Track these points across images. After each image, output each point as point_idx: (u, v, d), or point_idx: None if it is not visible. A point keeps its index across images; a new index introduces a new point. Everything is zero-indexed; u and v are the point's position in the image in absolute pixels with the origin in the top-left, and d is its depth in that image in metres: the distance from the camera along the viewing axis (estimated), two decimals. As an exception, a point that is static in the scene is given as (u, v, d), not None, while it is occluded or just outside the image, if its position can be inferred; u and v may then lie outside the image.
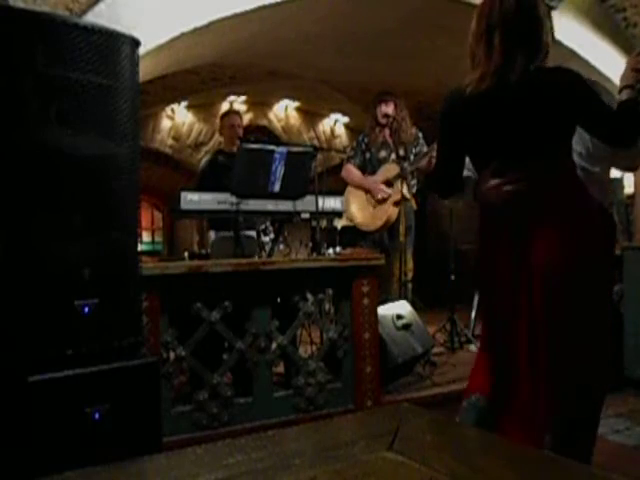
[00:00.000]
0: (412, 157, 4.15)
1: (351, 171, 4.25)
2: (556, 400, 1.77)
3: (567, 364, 1.77)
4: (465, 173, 2.03)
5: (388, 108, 4.14)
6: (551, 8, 4.33)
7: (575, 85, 1.80)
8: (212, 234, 4.07)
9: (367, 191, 4.17)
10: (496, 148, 1.87)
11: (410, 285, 4.17)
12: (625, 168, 2.85)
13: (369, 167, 4.24)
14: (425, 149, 4.16)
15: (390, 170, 4.14)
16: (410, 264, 4.16)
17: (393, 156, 4.17)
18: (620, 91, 1.85)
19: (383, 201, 4.11)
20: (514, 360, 1.83)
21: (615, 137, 1.82)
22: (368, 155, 4.25)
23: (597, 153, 2.32)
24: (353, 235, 4.14)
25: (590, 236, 1.80)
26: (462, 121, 1.91)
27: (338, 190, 4.04)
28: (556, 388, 1.77)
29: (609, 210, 2.29)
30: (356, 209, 4.16)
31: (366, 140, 4.28)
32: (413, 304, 3.78)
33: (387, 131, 4.21)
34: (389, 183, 4.12)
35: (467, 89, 1.84)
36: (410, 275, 4.16)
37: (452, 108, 1.94)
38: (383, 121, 4.15)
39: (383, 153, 4.22)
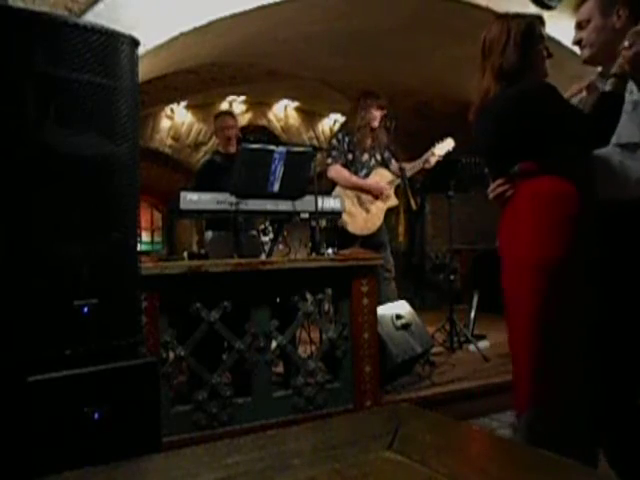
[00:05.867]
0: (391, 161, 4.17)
1: (343, 171, 4.00)
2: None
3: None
4: None
5: (382, 112, 4.08)
6: (550, 8, 4.33)
7: (530, 100, 1.89)
8: (210, 234, 4.07)
9: (363, 192, 4.00)
10: (486, 159, 2.13)
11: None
12: None
13: (351, 169, 4.03)
14: (388, 154, 4.17)
15: (383, 176, 4.09)
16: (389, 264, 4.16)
17: (373, 161, 4.11)
18: (607, 79, 1.85)
19: (379, 202, 4.03)
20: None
21: (589, 138, 1.85)
22: (351, 156, 4.04)
23: None
24: (344, 237, 4.02)
25: (550, 234, 1.81)
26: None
27: (331, 190, 4.02)
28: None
29: None
30: (347, 213, 3.88)
31: (347, 140, 4.03)
32: (411, 303, 3.78)
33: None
34: None
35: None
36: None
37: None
38: (375, 124, 4.02)
39: (366, 156, 4.10)
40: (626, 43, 1.79)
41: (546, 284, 1.76)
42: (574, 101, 2.05)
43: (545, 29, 2.03)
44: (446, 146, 4.11)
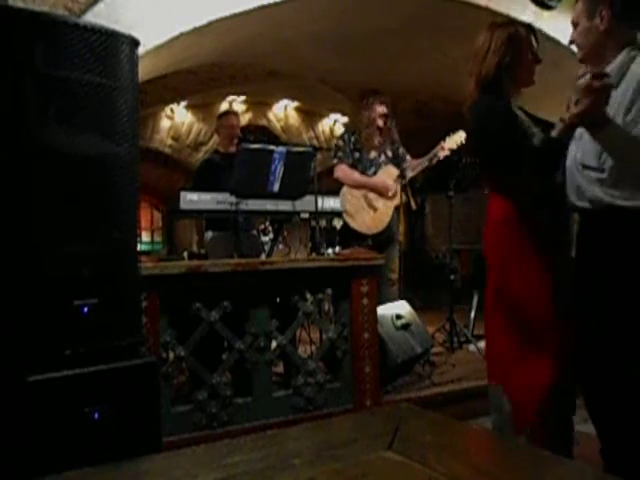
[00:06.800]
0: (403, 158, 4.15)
1: (348, 171, 4.01)
2: None
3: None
4: None
5: (385, 108, 4.07)
6: (550, 8, 4.32)
7: (479, 118, 2.04)
8: (209, 234, 4.07)
9: (370, 191, 4.00)
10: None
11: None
12: None
13: (359, 167, 4.03)
14: (402, 150, 4.17)
15: (391, 173, 4.07)
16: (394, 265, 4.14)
17: (383, 157, 4.10)
18: (557, 124, 1.93)
19: (387, 200, 4.01)
20: None
21: (529, 170, 1.98)
22: (357, 155, 4.04)
23: None
24: (353, 235, 4.03)
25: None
26: None
27: (337, 190, 4.01)
28: None
29: None
30: (354, 212, 3.94)
31: (352, 139, 4.05)
32: (411, 303, 3.78)
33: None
34: None
35: None
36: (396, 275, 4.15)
37: None
38: (381, 122, 4.01)
39: (373, 154, 4.08)
40: (573, 98, 1.84)
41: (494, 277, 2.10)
42: (580, 82, 2.10)
43: (535, 37, 2.09)
44: (457, 139, 4.03)
